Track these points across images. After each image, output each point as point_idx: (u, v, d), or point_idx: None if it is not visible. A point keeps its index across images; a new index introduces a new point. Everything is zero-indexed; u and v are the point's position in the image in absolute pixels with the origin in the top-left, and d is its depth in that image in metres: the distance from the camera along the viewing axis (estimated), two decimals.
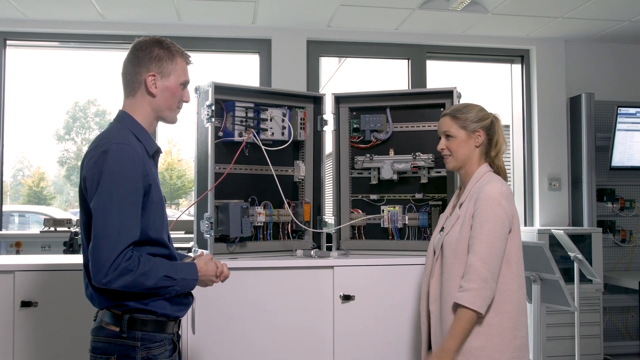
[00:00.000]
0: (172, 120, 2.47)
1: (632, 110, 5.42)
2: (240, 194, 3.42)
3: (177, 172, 19.89)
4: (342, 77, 10.13)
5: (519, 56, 5.87)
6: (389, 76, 7.29)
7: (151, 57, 2.36)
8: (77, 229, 4.95)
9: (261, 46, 5.66)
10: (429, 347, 2.87)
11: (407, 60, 5.81)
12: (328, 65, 9.75)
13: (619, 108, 5.39)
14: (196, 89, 3.32)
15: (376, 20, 5.39)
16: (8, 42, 5.46)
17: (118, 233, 2.12)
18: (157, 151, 2.45)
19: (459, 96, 3.35)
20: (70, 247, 4.71)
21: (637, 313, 5.63)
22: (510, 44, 5.75)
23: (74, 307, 3.09)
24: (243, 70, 6.31)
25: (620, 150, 5.43)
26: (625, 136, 5.43)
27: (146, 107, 2.38)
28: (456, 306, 2.61)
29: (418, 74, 5.74)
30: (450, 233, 2.75)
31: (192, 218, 3.52)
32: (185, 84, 2.45)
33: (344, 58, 8.56)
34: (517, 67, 5.94)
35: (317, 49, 5.69)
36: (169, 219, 2.50)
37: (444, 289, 2.72)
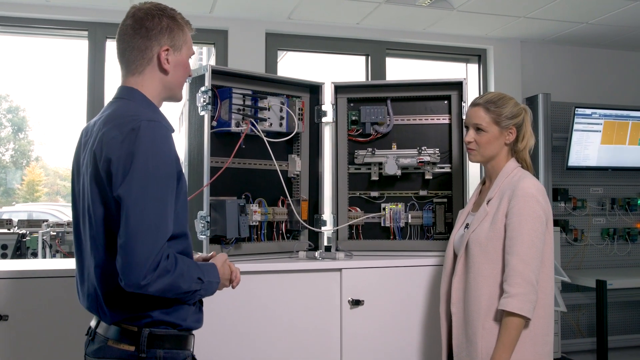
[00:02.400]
0: (180, 98, 2.12)
1: (588, 112, 5.36)
2: (234, 190, 3.03)
3: None
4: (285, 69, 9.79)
5: (476, 55, 5.71)
6: (340, 72, 7.00)
7: (162, 28, 1.97)
8: (24, 231, 4.35)
9: (217, 37, 5.24)
10: (449, 352, 2.61)
11: (366, 57, 5.53)
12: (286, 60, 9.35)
13: (576, 109, 5.31)
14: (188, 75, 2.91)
15: (339, 14, 5.08)
16: None
17: (157, 227, 1.73)
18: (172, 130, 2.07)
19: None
20: (17, 250, 4.13)
21: (588, 311, 5.58)
22: (468, 42, 5.57)
23: (52, 318, 2.62)
24: (197, 62, 5.85)
25: (576, 150, 5.36)
26: (581, 137, 5.35)
27: (157, 85, 2.00)
28: (499, 313, 2.35)
29: (377, 71, 5.47)
30: (477, 230, 2.48)
31: None
32: (191, 56, 2.10)
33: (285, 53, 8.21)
34: (473, 67, 5.77)
35: (276, 42, 5.33)
36: None
37: (470, 289, 2.46)
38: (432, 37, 5.47)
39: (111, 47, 5.15)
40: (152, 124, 1.81)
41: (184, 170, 2.91)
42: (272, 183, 3.10)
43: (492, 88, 5.57)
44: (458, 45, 5.59)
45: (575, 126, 5.31)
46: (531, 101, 5.46)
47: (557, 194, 5.55)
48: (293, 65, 9.13)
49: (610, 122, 5.42)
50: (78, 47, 5.22)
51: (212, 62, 5.29)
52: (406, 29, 5.38)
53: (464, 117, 3.09)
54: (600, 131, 5.40)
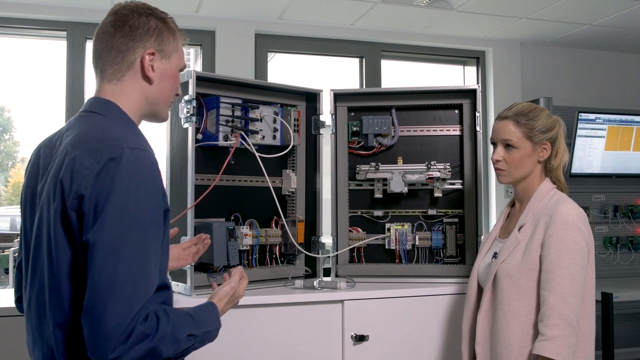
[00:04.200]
0: (166, 117, 1.71)
1: (592, 116, 4.99)
2: (222, 210, 2.63)
3: None
4: (289, 75, 9.32)
5: (475, 57, 5.33)
6: (337, 76, 6.58)
7: (149, 28, 1.59)
8: None
9: (204, 38, 4.82)
10: None
11: (359, 59, 5.14)
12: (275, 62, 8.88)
13: (580, 114, 4.94)
14: None
15: (333, 14, 4.68)
16: None
17: (134, 286, 1.33)
18: None
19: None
20: None
21: None
22: (467, 44, 5.19)
23: None
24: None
25: (579, 156, 4.99)
26: (584, 142, 4.99)
27: (137, 97, 1.61)
28: (534, 357, 1.98)
29: (372, 74, 5.08)
30: (508, 261, 2.10)
31: None
32: (182, 68, 1.70)
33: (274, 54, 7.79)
34: (471, 70, 5.40)
35: (266, 43, 4.92)
36: None
37: (499, 328, 2.08)
38: (430, 38, 5.08)
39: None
40: (137, 153, 1.41)
41: (172, 189, 2.55)
42: (264, 202, 2.71)
43: (491, 92, 5.20)
44: (456, 47, 5.20)
45: (579, 132, 4.95)
46: None
47: None
48: (283, 68, 8.72)
49: (615, 127, 5.06)
50: (59, 47, 4.79)
51: (199, 66, 4.87)
52: (402, 29, 4.99)
53: (477, 128, 2.72)
54: (604, 137, 5.04)
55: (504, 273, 2.10)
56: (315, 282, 2.54)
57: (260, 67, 4.88)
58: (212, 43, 4.79)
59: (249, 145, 2.53)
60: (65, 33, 4.54)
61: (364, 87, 5.01)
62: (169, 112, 1.74)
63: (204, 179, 2.54)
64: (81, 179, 1.38)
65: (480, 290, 2.26)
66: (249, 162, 2.59)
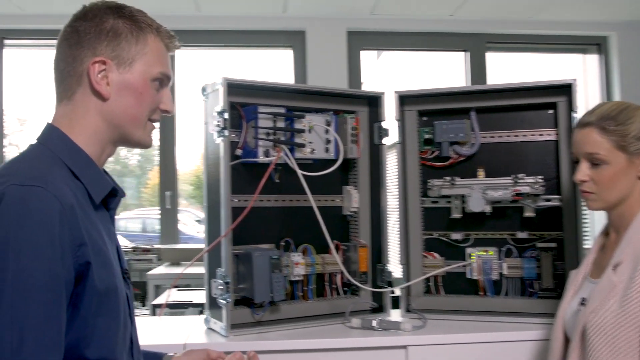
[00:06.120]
0: (142, 142, 1.31)
1: None
2: (270, 235, 2.24)
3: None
4: (381, 75, 8.86)
5: (595, 44, 4.59)
6: (439, 73, 6.02)
7: (100, 30, 1.22)
8: None
9: (294, 39, 4.47)
10: None
11: (464, 53, 4.57)
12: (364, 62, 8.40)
13: None
14: (203, 90, 2.16)
15: (429, 5, 4.17)
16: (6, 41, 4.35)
17: None
18: (114, 194, 1.29)
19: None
20: None
21: None
22: (585, 30, 4.48)
23: None
24: (276, 70, 5.12)
25: None
26: None
27: (91, 119, 1.24)
28: None
29: (477, 69, 4.50)
30: (600, 311, 1.55)
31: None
32: (161, 79, 1.29)
33: (382, 52, 7.29)
34: (592, 58, 4.66)
35: (359, 41, 4.49)
36: None
37: None
38: (541, 25, 4.43)
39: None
40: (25, 190, 1.04)
41: (204, 213, 2.19)
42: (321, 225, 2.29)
43: (616, 83, 4.45)
44: (572, 33, 4.51)
45: None
46: None
47: None
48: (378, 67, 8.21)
49: None
50: None
51: (291, 68, 4.52)
52: (509, 18, 4.38)
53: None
54: None
55: (596, 327, 1.55)
56: (374, 321, 2.08)
57: (354, 66, 4.47)
58: (302, 44, 4.44)
59: (290, 160, 2.12)
60: None
61: (470, 84, 4.44)
62: (151, 136, 1.35)
63: (246, 200, 2.15)
64: None
65: (567, 340, 1.72)
66: (299, 179, 2.17)
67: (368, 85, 9.08)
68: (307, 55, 4.41)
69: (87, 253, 1.10)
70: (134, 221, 9.73)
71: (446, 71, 5.44)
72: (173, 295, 2.98)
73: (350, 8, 4.26)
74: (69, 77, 1.24)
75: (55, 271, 1.03)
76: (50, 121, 1.26)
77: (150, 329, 2.16)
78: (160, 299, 3.19)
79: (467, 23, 4.41)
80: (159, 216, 4.41)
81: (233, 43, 4.51)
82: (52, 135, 1.23)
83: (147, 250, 4.10)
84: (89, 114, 1.24)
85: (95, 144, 1.25)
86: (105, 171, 1.35)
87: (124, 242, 6.78)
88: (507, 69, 4.99)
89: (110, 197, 1.28)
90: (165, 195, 4.40)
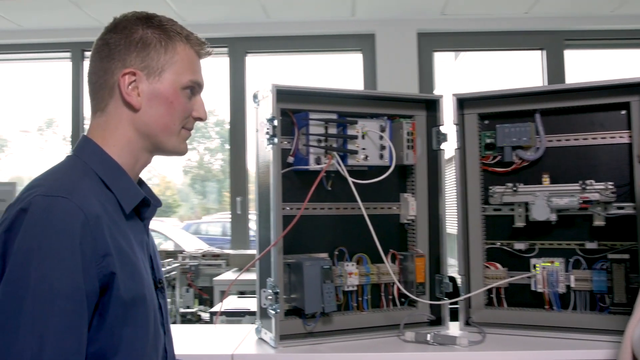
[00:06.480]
0: (176, 151, 1.30)
1: None
2: (324, 244, 2.18)
3: None
4: (459, 77, 8.63)
5: None
6: (514, 73, 5.80)
7: (130, 42, 1.22)
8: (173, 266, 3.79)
9: (364, 43, 4.41)
10: None
11: (541, 51, 4.37)
12: (442, 65, 8.19)
13: None
14: (255, 97, 2.13)
15: (502, 3, 4.01)
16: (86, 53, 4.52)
17: None
18: (146, 204, 1.27)
19: None
20: None
21: None
22: None
23: None
24: (344, 74, 5.08)
25: None
26: None
27: (124, 130, 1.24)
28: None
29: (555, 68, 4.29)
30: None
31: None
32: (192, 87, 1.27)
33: (461, 53, 7.10)
34: None
35: (430, 42, 4.37)
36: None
37: None
38: (623, 20, 4.17)
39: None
40: (49, 201, 1.06)
41: (255, 222, 2.16)
42: (378, 233, 2.21)
43: None
44: None
45: None
46: None
47: None
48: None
49: None
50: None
51: (360, 71, 4.46)
52: (588, 13, 4.15)
53: None
54: None
55: None
56: (429, 335, 1.98)
57: (425, 69, 4.35)
58: (372, 47, 4.37)
59: (342, 168, 2.05)
60: (226, 49, 4.43)
61: (547, 83, 4.24)
62: (185, 144, 1.33)
63: (300, 209, 2.10)
64: None
65: None
66: (358, 187, 2.09)
67: (444, 88, 8.89)
68: (376, 58, 4.34)
69: (111, 263, 1.11)
70: (215, 225, 9.92)
71: (525, 71, 5.24)
72: (234, 302, 2.97)
73: (420, 9, 4.16)
74: (101, 90, 1.25)
75: (76, 280, 1.04)
76: (85, 133, 1.28)
77: (201, 338, 2.15)
78: (220, 306, 3.19)
79: (544, 20, 4.21)
80: (230, 221, 4.45)
81: (302, 48, 4.49)
82: (85, 147, 1.25)
83: (216, 256, 4.13)
84: (122, 125, 1.25)
85: (128, 154, 1.26)
86: (142, 181, 1.36)
87: (200, 245, 6.91)
88: (586, 68, 4.74)
89: (143, 207, 1.28)
90: (236, 201, 4.43)
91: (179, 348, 2.00)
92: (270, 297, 1.96)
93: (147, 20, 1.27)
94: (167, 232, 8.45)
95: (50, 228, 1.04)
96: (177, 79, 1.26)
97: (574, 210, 2.09)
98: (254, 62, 4.60)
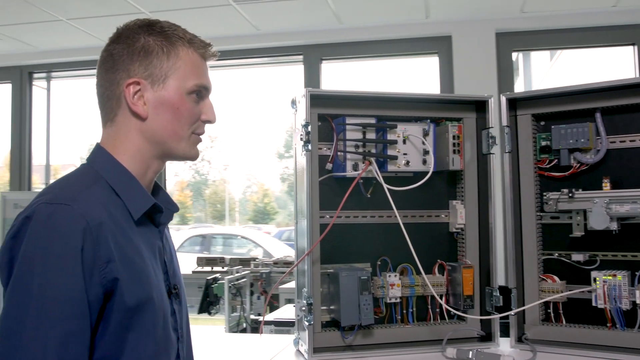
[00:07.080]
0: (187, 156, 1.29)
1: None
2: (366, 253, 2.09)
3: None
4: (557, 77, 8.21)
5: None
6: (604, 71, 5.44)
7: (133, 51, 1.22)
8: (211, 277, 3.83)
9: (440, 45, 4.25)
10: None
11: (632, 47, 4.05)
12: (537, 65, 7.83)
13: None
14: (292, 102, 2.07)
15: None
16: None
17: None
18: (158, 210, 1.26)
19: None
20: (206, 297, 3.64)
21: None
22: None
23: None
24: (420, 78, 4.94)
25: None
26: None
27: (134, 138, 1.24)
28: None
29: None
30: None
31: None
32: (199, 90, 1.25)
33: (557, 52, 6.73)
34: None
35: (509, 42, 4.15)
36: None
37: None
38: None
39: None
40: (52, 208, 1.08)
41: (295, 230, 2.10)
42: (426, 242, 2.10)
43: None
44: None
45: None
46: None
47: None
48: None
49: None
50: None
51: (437, 75, 4.31)
52: None
53: None
54: None
55: None
56: (471, 352, 1.84)
57: (505, 70, 4.15)
58: (448, 49, 4.22)
59: (378, 174, 1.95)
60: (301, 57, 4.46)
61: None
62: (196, 148, 1.31)
63: (340, 217, 2.03)
64: (4, 243, 1.12)
65: None
66: (403, 194, 1.99)
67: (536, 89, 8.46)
68: (453, 60, 4.18)
69: (115, 269, 1.11)
70: None
71: (621, 68, 4.90)
72: (287, 312, 2.92)
73: (497, 8, 3.97)
74: (109, 101, 1.26)
75: (78, 287, 1.06)
76: (99, 142, 1.29)
77: (242, 347, 2.11)
78: (272, 315, 3.13)
79: (634, 12, 3.90)
80: None
81: (376, 53, 4.40)
82: (97, 155, 1.26)
83: (288, 264, 4.11)
84: (131, 134, 1.25)
85: (139, 162, 1.26)
86: (158, 186, 1.34)
87: (289, 252, 6.93)
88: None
89: (156, 213, 1.27)
90: None
91: (216, 356, 1.98)
92: (303, 309, 1.89)
93: (149, 27, 1.25)
94: (257, 239, 8.56)
95: (52, 235, 1.06)
96: (181, 85, 1.24)
97: (639, 219, 1.89)
98: (330, 69, 4.56)
